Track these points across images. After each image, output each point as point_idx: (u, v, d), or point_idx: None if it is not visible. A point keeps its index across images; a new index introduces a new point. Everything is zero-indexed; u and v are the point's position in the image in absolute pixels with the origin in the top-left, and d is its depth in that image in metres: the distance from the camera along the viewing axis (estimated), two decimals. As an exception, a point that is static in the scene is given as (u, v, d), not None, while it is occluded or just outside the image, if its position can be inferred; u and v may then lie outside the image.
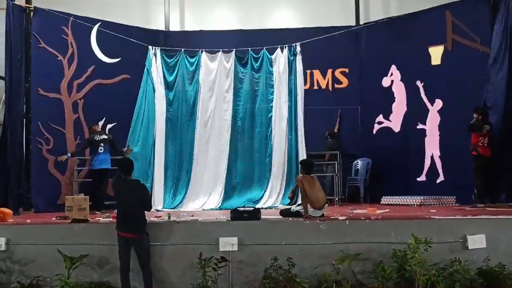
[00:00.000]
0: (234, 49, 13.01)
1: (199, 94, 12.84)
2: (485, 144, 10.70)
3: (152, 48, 12.80)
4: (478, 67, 11.48)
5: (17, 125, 11.17)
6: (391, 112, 13.34)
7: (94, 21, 12.60)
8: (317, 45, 13.01)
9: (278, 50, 12.94)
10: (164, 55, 12.90)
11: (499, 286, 7.25)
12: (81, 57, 12.37)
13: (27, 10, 11.65)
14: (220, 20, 14.51)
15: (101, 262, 7.68)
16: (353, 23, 14.10)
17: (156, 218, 8.73)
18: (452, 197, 11.68)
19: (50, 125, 11.81)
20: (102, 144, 11.02)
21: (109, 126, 12.58)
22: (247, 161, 12.77)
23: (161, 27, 14.23)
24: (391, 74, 13.36)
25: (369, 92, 13.76)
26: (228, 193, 12.51)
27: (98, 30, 12.57)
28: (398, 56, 13.16)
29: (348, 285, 7.15)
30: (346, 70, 13.92)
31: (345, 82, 13.93)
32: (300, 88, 12.75)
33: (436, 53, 12.38)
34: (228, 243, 7.58)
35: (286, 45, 12.85)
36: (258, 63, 13.03)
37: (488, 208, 10.02)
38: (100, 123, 12.19)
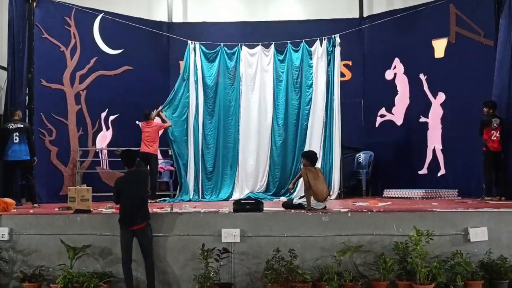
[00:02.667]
0: (273, 43, 13.01)
1: (241, 88, 12.88)
2: (495, 138, 10.56)
3: (192, 43, 12.80)
4: (481, 60, 11.47)
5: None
6: (394, 105, 13.35)
7: (96, 11, 12.61)
8: (321, 39, 12.97)
9: (318, 42, 12.87)
10: (203, 49, 12.88)
11: (500, 278, 7.27)
12: (83, 48, 12.38)
13: (30, 1, 11.62)
14: (223, 12, 14.49)
15: (103, 253, 7.70)
16: (356, 15, 14.07)
17: (158, 209, 8.74)
18: (454, 190, 11.69)
19: (53, 116, 11.85)
20: (17, 134, 10.16)
21: (111, 117, 12.63)
22: (285, 154, 12.84)
23: (164, 18, 14.20)
24: (394, 67, 13.37)
25: (372, 85, 13.77)
26: (269, 187, 12.73)
27: (100, 21, 12.56)
28: (402, 49, 13.15)
29: (350, 276, 7.16)
30: (349, 63, 13.91)
31: (348, 75, 13.93)
32: (337, 80, 12.67)
33: (439, 46, 12.36)
34: (230, 235, 7.59)
35: (326, 37, 12.78)
36: (298, 55, 13.00)
37: (493, 202, 10.01)
38: (103, 114, 12.21)
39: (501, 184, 10.58)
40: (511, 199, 10.19)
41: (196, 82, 12.66)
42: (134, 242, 7.38)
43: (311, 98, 12.83)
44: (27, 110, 11.52)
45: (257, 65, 12.96)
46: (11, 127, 10.18)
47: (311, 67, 12.92)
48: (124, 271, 7.32)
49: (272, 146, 12.83)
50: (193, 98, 12.62)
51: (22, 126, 10.28)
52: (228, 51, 12.94)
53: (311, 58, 12.94)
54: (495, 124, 10.49)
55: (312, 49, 12.95)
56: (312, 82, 12.86)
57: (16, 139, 10.11)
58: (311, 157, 9.06)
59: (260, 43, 13.01)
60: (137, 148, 10.91)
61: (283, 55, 13.03)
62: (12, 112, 10.50)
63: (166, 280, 7.53)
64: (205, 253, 7.08)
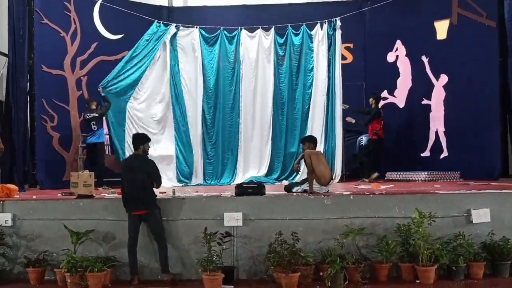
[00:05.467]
0: (274, 26, 12.94)
1: (241, 72, 12.82)
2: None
3: (187, 27, 12.78)
4: (484, 41, 11.38)
5: (21, 102, 11.17)
6: (396, 88, 13.29)
7: (97, -4, 12.53)
8: (321, 22, 12.87)
9: (318, 25, 12.82)
10: (202, 33, 12.80)
11: (503, 259, 7.30)
12: (84, 34, 12.32)
13: (29, -14, 11.57)
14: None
15: (107, 237, 7.74)
16: (358, -3, 13.97)
17: (161, 194, 8.75)
18: (456, 172, 11.67)
19: (54, 102, 11.81)
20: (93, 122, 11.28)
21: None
22: (287, 138, 12.85)
23: (164, 2, 14.11)
24: (396, 49, 13.29)
25: (374, 68, 13.70)
26: (271, 171, 12.73)
27: (100, 6, 12.49)
28: (403, 31, 13.06)
29: (352, 259, 7.19)
30: (351, 45, 13.83)
31: (349, 57, 13.86)
32: (339, 63, 12.64)
33: (441, 28, 12.24)
34: (233, 218, 7.62)
35: (326, 21, 12.74)
36: (299, 38, 12.94)
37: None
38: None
39: None
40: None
41: (177, 69, 12.60)
42: (142, 227, 7.45)
43: (312, 82, 12.80)
44: (28, 96, 11.51)
45: (257, 49, 12.90)
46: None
47: (312, 50, 12.88)
48: (130, 256, 7.38)
49: (274, 130, 12.83)
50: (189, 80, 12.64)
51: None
52: (228, 35, 12.87)
53: (311, 42, 12.89)
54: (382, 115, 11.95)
55: (312, 32, 12.88)
56: (313, 66, 12.82)
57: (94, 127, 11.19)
58: (312, 141, 9.06)
59: (260, 27, 12.94)
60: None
61: (283, 38, 12.97)
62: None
63: (169, 264, 7.54)
64: (208, 237, 7.09)
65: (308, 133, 12.12)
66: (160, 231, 7.40)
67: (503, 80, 11.12)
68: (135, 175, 7.42)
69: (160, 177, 7.71)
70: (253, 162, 12.75)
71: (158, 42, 12.37)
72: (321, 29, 12.77)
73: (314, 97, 12.76)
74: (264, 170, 12.70)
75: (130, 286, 7.30)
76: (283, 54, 12.95)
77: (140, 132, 10.49)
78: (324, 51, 12.72)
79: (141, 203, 7.37)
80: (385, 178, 12.20)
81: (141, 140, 7.78)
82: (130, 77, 12.01)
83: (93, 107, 11.41)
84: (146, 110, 12.23)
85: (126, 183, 7.51)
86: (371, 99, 12.31)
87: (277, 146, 12.84)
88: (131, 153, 7.77)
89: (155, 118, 12.30)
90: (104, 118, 11.51)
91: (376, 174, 11.73)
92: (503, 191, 8.21)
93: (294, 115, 12.87)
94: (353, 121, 12.48)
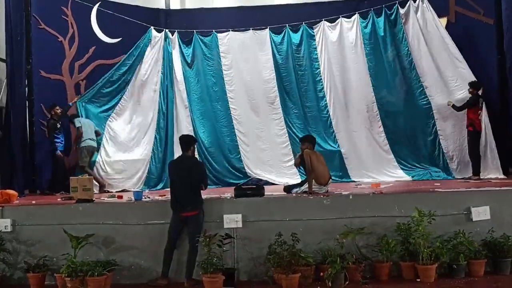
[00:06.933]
0: (268, 27, 12.89)
1: (231, 73, 12.75)
2: (481, 118, 10.65)
3: (172, 33, 12.82)
4: (482, 39, 11.39)
5: (20, 107, 11.17)
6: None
7: (93, 0, 12.51)
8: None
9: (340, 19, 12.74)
10: (181, 39, 12.86)
11: (503, 257, 7.29)
12: (81, 38, 12.30)
13: (26, -9, 11.57)
14: (220, -3, 14.38)
15: (107, 241, 7.72)
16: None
17: (160, 197, 8.76)
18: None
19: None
20: None
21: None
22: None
23: (161, 5, 14.10)
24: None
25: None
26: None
27: (98, 10, 12.49)
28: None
29: (353, 259, 7.17)
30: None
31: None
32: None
33: (439, 26, 12.23)
34: (232, 220, 7.61)
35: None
36: (298, 36, 12.87)
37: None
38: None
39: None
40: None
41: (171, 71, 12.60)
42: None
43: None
44: (27, 102, 11.51)
45: (253, 49, 12.88)
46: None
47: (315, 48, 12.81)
48: (165, 258, 7.43)
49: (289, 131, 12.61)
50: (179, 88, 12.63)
51: None
52: (220, 36, 12.88)
53: (314, 40, 12.81)
54: (480, 104, 10.53)
55: (315, 31, 12.82)
56: (319, 64, 12.71)
57: None
58: (312, 141, 9.06)
59: (268, 27, 12.92)
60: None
61: (280, 36, 12.91)
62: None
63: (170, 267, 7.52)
64: (208, 239, 7.08)
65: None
66: (199, 235, 7.31)
67: (501, 76, 11.12)
68: (188, 176, 7.45)
69: (207, 179, 7.80)
70: (255, 162, 12.52)
71: (146, 50, 12.51)
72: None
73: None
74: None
75: (156, 286, 7.34)
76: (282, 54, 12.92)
77: None
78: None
79: (190, 204, 7.41)
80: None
81: (190, 141, 7.85)
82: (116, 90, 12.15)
83: (58, 112, 11.27)
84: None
85: (177, 184, 7.50)
86: (469, 88, 10.96)
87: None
88: (181, 154, 7.77)
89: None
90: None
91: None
92: (503, 188, 8.21)
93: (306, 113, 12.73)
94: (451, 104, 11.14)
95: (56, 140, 11.13)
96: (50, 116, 11.28)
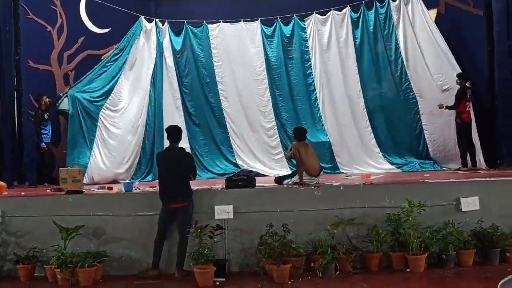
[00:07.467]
0: (259, 19, 12.88)
1: (222, 65, 12.74)
2: (469, 109, 10.67)
3: (162, 23, 12.72)
4: (471, 30, 11.41)
5: (8, 98, 11.07)
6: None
7: (82, -10, 12.41)
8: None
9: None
10: (171, 29, 12.80)
11: (492, 247, 7.33)
12: (70, 28, 12.21)
13: (14, -19, 11.44)
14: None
15: (97, 233, 7.68)
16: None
17: (150, 189, 8.74)
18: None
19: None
20: None
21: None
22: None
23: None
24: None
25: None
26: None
27: (87, 0, 12.37)
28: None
29: (343, 249, 7.20)
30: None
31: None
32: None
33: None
34: (223, 211, 7.60)
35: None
36: (289, 28, 12.87)
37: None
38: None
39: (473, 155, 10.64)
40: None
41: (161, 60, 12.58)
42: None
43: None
44: (15, 92, 11.42)
45: (245, 41, 12.86)
46: None
47: (306, 40, 12.80)
48: (155, 249, 7.41)
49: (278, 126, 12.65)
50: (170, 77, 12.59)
51: None
52: (210, 29, 12.84)
53: (304, 32, 12.80)
54: (469, 96, 10.57)
55: (306, 23, 12.81)
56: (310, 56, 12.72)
57: None
58: (299, 133, 9.05)
59: (259, 19, 12.92)
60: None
61: (271, 28, 12.90)
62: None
63: (161, 258, 7.52)
64: (199, 230, 7.07)
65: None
66: (189, 226, 7.28)
67: (490, 68, 11.19)
68: (177, 167, 7.41)
69: (196, 170, 7.77)
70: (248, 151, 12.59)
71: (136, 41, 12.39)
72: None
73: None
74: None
75: (147, 277, 7.28)
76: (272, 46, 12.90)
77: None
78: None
79: (180, 196, 7.39)
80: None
81: (179, 132, 7.79)
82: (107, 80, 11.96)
83: (46, 101, 11.20)
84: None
85: (166, 175, 7.47)
86: (457, 80, 10.93)
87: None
88: (168, 146, 7.72)
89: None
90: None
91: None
92: (492, 179, 8.27)
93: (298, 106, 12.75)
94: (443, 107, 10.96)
95: (42, 131, 11.04)
96: (38, 106, 11.19)
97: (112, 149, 11.61)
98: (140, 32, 12.48)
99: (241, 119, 12.60)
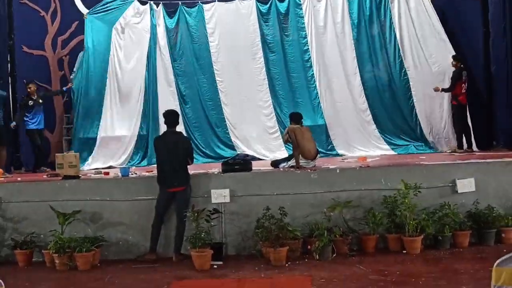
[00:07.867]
0: None
1: (217, 45, 12.54)
2: (465, 91, 10.64)
3: (157, 5, 12.50)
4: (467, 12, 11.40)
5: (2, 83, 11.00)
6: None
7: (76, -27, 12.27)
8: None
9: None
10: (166, 11, 12.58)
11: (488, 228, 7.39)
12: (64, 13, 12.07)
13: (6, -35, 11.32)
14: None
15: (94, 217, 7.71)
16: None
17: (147, 173, 8.74)
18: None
19: (36, 83, 11.60)
20: None
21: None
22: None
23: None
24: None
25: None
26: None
27: (80, -16, 12.26)
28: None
29: (340, 232, 7.24)
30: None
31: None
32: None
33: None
34: (220, 195, 7.62)
35: None
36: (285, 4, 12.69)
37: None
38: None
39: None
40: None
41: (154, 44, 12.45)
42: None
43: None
44: (9, 78, 11.35)
45: (238, 22, 12.69)
46: None
47: (302, 17, 12.63)
48: (153, 232, 7.44)
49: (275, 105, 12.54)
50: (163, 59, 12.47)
51: None
52: (204, 10, 12.64)
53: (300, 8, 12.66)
54: (464, 77, 10.55)
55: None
56: (306, 33, 12.60)
57: None
58: (295, 116, 9.04)
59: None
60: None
61: (266, 7, 12.75)
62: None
63: (159, 243, 7.55)
64: (196, 214, 7.09)
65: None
66: (186, 210, 7.31)
67: (486, 50, 11.20)
68: (175, 151, 7.42)
69: (193, 154, 7.80)
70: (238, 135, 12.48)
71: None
72: None
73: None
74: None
75: (144, 261, 7.30)
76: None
77: None
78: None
79: (178, 180, 7.40)
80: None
81: (176, 116, 7.78)
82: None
83: (33, 89, 10.91)
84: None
85: (164, 159, 7.48)
86: (452, 61, 10.87)
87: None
88: (166, 130, 7.73)
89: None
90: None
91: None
92: (487, 160, 8.30)
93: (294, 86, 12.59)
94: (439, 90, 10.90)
95: (25, 118, 10.85)
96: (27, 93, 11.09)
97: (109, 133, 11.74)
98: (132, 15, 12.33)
99: (237, 100, 12.51)
